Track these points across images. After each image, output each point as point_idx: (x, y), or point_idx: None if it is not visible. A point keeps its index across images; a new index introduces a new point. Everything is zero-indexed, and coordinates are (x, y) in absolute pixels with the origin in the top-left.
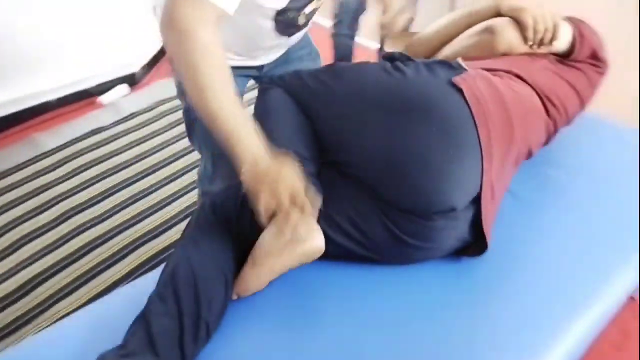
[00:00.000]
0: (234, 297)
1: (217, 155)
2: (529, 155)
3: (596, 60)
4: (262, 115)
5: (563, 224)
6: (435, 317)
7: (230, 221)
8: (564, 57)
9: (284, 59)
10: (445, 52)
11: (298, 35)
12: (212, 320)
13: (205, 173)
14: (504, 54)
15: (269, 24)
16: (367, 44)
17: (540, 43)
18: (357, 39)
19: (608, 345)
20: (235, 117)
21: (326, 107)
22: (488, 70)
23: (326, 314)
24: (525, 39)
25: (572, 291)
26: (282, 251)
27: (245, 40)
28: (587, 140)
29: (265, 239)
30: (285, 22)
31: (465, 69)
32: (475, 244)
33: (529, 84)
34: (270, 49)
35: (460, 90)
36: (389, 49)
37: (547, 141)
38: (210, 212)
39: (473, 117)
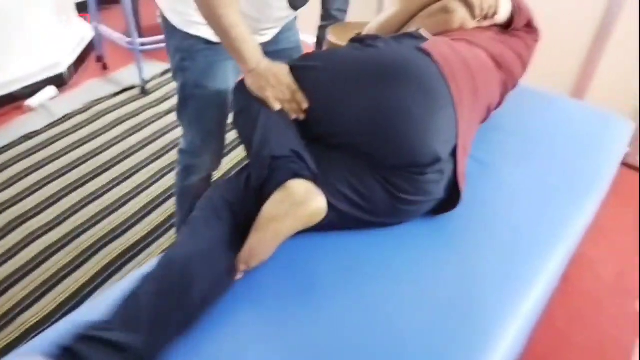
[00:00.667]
0: (242, 267)
1: (209, 132)
2: (488, 113)
3: (531, 28)
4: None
5: (518, 181)
6: (429, 267)
7: (235, 207)
8: (505, 28)
9: (274, 39)
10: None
11: (303, 9)
12: (201, 302)
13: (192, 147)
14: (457, 30)
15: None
16: (305, 39)
17: (485, 17)
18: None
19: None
20: (241, 28)
21: (308, 86)
22: (449, 38)
23: (323, 286)
24: (472, 16)
25: (537, 235)
26: (285, 215)
27: (257, 11)
28: (526, 108)
29: (269, 205)
30: None
31: (428, 37)
32: (448, 199)
33: (482, 49)
34: (276, 22)
35: (428, 54)
36: (333, 41)
37: (500, 102)
38: (218, 199)
39: (443, 75)
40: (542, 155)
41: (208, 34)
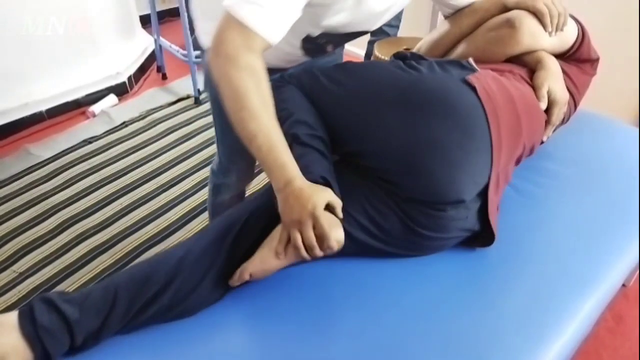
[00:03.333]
0: (246, 276)
1: (235, 150)
2: (531, 152)
3: (592, 61)
4: (276, 107)
5: (562, 214)
6: (449, 305)
7: (251, 220)
8: (565, 55)
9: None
10: (461, 50)
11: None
12: (169, 308)
13: (219, 166)
14: (521, 53)
15: (298, 50)
16: (355, 51)
17: (557, 28)
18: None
19: (603, 330)
20: (274, 138)
21: (339, 102)
22: (495, 70)
23: (338, 310)
24: (544, 26)
25: (574, 277)
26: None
27: (275, 58)
28: (577, 133)
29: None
30: (313, 49)
31: (476, 69)
32: (482, 234)
33: (530, 85)
34: (298, 64)
35: (473, 88)
36: (379, 56)
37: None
38: (236, 209)
39: (485, 113)
40: (595, 189)
41: None
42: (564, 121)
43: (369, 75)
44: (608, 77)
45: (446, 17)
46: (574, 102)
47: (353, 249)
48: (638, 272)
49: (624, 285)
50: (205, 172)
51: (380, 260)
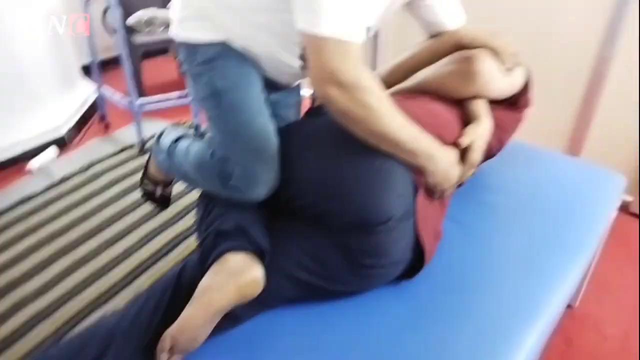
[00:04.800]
0: (167, 343)
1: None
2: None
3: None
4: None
5: (501, 243)
6: (392, 340)
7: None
8: (509, 100)
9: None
10: (417, 80)
11: None
12: None
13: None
14: (475, 94)
15: (296, 62)
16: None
17: (514, 66)
18: None
19: (555, 355)
20: (415, 135)
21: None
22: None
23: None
24: (502, 61)
25: (518, 306)
26: (220, 286)
27: (271, 68)
28: (512, 163)
29: (205, 277)
30: None
31: None
32: (419, 261)
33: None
34: (288, 77)
35: None
36: None
37: None
38: (176, 276)
39: None
40: (529, 216)
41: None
42: (491, 156)
43: (294, 127)
44: (540, 108)
45: (431, 37)
46: (503, 143)
47: (299, 291)
48: (583, 291)
49: (570, 306)
50: (152, 225)
51: (326, 304)
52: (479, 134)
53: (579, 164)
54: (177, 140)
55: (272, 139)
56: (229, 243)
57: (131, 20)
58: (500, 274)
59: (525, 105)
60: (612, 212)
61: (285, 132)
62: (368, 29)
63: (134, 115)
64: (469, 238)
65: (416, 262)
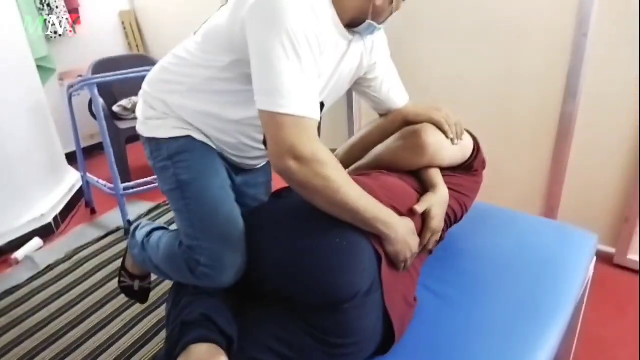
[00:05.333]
0: None
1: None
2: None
3: (483, 168)
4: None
5: (478, 313)
6: None
7: None
8: (463, 165)
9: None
10: (372, 157)
11: None
12: None
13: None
14: (427, 164)
15: (261, 144)
16: None
17: (457, 136)
18: None
19: None
20: (373, 203)
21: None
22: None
23: None
24: (445, 133)
25: None
26: None
27: (235, 147)
28: (486, 228)
29: None
30: None
31: None
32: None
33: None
34: (254, 160)
35: None
36: None
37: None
38: None
39: None
40: (504, 282)
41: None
42: (456, 221)
43: (257, 212)
44: (514, 172)
45: (381, 116)
46: (467, 207)
47: None
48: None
49: None
50: (135, 310)
51: None
52: (435, 201)
53: (550, 226)
54: (150, 233)
55: (237, 225)
56: (194, 334)
57: (116, 108)
58: (478, 343)
59: (481, 167)
60: (586, 271)
61: (251, 216)
62: (322, 105)
63: (118, 200)
64: (445, 307)
65: (389, 335)
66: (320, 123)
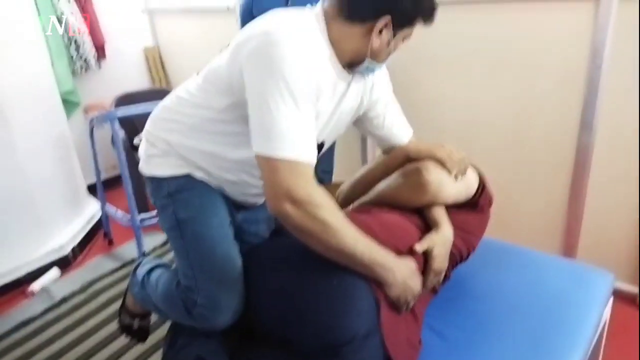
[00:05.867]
0: None
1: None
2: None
3: (490, 204)
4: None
5: (488, 356)
6: None
7: None
8: (469, 202)
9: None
10: (374, 194)
11: None
12: None
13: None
14: (430, 202)
15: (260, 182)
16: None
17: (460, 172)
18: None
19: None
20: (370, 247)
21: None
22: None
23: None
24: (448, 170)
25: None
26: None
27: (236, 184)
28: (495, 267)
29: None
30: None
31: None
32: None
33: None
34: (254, 197)
35: None
36: None
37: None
38: None
39: None
40: (514, 324)
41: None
42: (462, 260)
43: (254, 250)
44: (532, 208)
45: (384, 152)
46: (473, 245)
47: None
48: None
49: None
50: (149, 342)
51: None
52: (438, 240)
53: (565, 265)
54: (150, 271)
55: (235, 266)
56: None
57: (137, 140)
58: None
59: (487, 204)
60: (601, 312)
61: (250, 256)
62: (322, 144)
63: (135, 231)
64: (453, 351)
65: None
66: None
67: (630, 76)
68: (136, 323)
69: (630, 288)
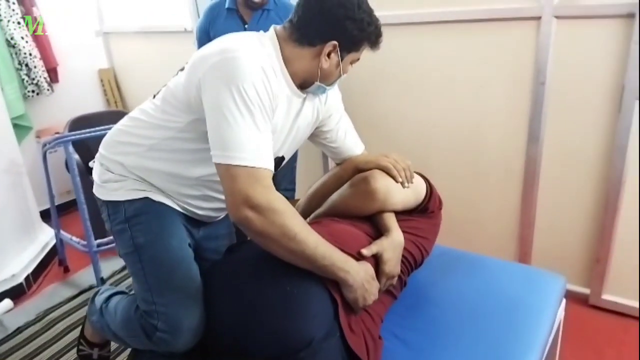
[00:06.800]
0: None
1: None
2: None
3: (439, 209)
4: None
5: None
6: None
7: None
8: (418, 209)
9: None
10: (329, 205)
11: None
12: None
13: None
14: (380, 209)
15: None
16: None
17: (407, 179)
18: None
19: None
20: (330, 250)
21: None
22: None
23: None
24: (394, 177)
25: None
26: None
27: (199, 199)
28: (454, 274)
29: None
30: None
31: None
32: None
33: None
34: (216, 212)
35: None
36: None
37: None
38: None
39: None
40: (473, 328)
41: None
42: (416, 264)
43: (210, 271)
44: (487, 218)
45: (337, 164)
46: (426, 249)
47: None
48: None
49: None
50: None
51: None
52: (387, 245)
53: (519, 270)
54: (108, 298)
55: (195, 286)
56: None
57: (92, 163)
58: None
59: (437, 208)
60: (555, 313)
61: (207, 275)
62: (282, 158)
63: (91, 257)
64: (415, 356)
65: None
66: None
67: (573, 91)
68: (95, 353)
69: (581, 289)
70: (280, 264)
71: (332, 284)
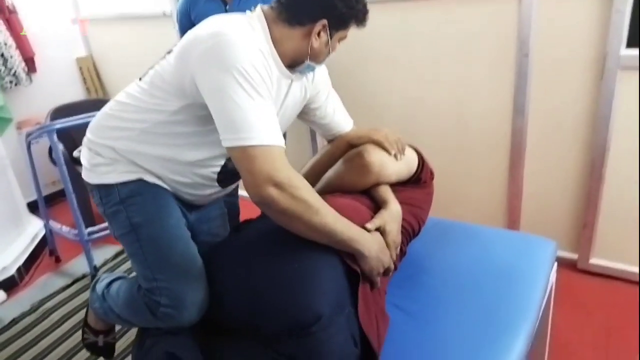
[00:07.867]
0: None
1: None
2: None
3: (432, 179)
4: None
5: (443, 326)
6: None
7: None
8: (411, 179)
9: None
10: (325, 181)
11: (231, 187)
12: None
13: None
14: (375, 182)
15: (214, 183)
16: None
17: (399, 151)
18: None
19: None
20: (347, 224)
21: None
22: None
23: None
24: (387, 150)
25: None
26: None
27: (190, 186)
28: (446, 242)
29: None
30: (226, 178)
31: None
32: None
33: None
34: (208, 197)
35: None
36: None
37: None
38: None
39: None
40: (469, 295)
41: (149, 176)
42: (414, 233)
43: (215, 249)
44: (475, 189)
45: (328, 141)
46: (422, 219)
47: None
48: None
49: None
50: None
51: None
52: (388, 217)
53: (511, 237)
54: (110, 284)
55: (195, 261)
56: None
57: (76, 153)
58: (446, 357)
59: (430, 178)
60: (547, 278)
61: (212, 253)
62: None
63: (83, 246)
64: (413, 323)
65: (366, 353)
66: None
67: (556, 62)
68: (101, 340)
69: (569, 255)
70: (289, 240)
71: (350, 257)
